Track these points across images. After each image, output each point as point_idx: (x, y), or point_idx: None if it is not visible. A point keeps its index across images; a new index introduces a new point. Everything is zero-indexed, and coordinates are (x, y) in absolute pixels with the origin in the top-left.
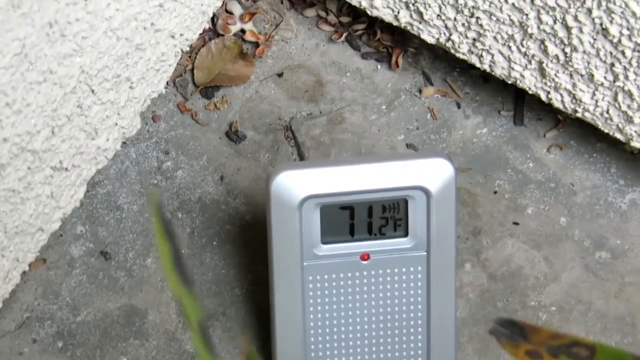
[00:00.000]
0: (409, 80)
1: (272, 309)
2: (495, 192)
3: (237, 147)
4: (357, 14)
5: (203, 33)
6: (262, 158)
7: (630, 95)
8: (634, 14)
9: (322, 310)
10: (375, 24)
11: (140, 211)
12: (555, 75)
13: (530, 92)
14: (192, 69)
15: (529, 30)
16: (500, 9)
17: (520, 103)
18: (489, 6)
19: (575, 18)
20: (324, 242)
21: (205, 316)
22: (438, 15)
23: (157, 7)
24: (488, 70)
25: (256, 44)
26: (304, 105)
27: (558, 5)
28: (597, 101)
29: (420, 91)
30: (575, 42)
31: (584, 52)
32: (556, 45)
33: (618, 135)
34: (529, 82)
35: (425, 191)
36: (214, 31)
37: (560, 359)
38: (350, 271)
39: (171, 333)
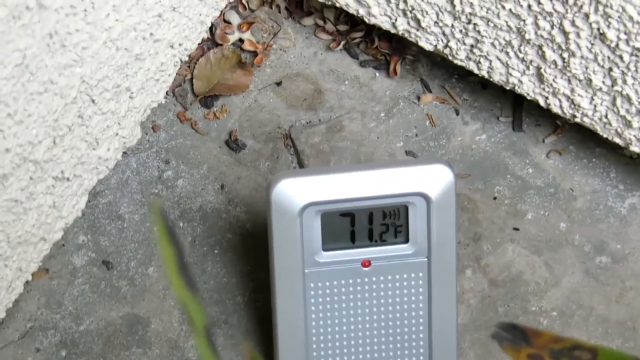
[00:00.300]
0: (407, 87)
1: (274, 316)
2: (495, 198)
3: (237, 155)
4: (355, 22)
5: (202, 43)
6: (262, 166)
7: (628, 99)
8: (631, 18)
9: (323, 317)
10: (372, 31)
11: (141, 220)
12: (554, 80)
13: (528, 97)
14: (191, 79)
15: (527, 36)
16: (498, 15)
17: (519, 109)
18: (486, 12)
19: (573, 23)
20: (325, 249)
21: (209, 322)
22: (435, 22)
23: (156, 17)
24: (486, 76)
25: (254, 53)
26: (303, 114)
27: (555, 10)
28: (595, 106)
29: (418, 98)
30: (572, 47)
31: (582, 57)
32: (554, 51)
33: (617, 140)
34: (527, 87)
35: (426, 197)
36: (212, 41)
37: None
38: (352, 278)
39: (174, 341)
